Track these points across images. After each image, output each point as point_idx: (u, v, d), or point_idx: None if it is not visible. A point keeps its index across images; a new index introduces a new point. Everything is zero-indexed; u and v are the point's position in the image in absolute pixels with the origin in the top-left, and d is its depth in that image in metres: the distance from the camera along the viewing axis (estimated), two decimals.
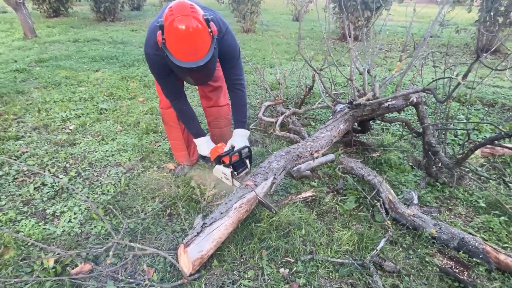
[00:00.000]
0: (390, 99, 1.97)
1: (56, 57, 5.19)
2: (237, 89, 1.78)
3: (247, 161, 1.85)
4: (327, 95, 2.66)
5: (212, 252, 1.50)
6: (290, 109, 2.83)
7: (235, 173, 1.78)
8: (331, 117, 2.27)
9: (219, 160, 1.80)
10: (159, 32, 1.34)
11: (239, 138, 1.81)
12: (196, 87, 2.13)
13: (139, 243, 1.65)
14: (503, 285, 1.46)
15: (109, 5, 8.87)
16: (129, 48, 6.08)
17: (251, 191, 1.63)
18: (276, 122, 2.58)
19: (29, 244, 1.65)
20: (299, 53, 2.17)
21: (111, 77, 4.37)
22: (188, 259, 1.39)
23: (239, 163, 1.81)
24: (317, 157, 1.92)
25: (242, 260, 1.58)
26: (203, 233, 1.46)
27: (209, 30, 1.35)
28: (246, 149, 1.80)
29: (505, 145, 2.13)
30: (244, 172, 1.84)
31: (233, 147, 1.79)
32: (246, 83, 1.80)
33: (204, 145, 1.89)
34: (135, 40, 6.77)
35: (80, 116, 3.17)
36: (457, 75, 1.79)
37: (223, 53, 1.63)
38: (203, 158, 1.92)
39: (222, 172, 1.80)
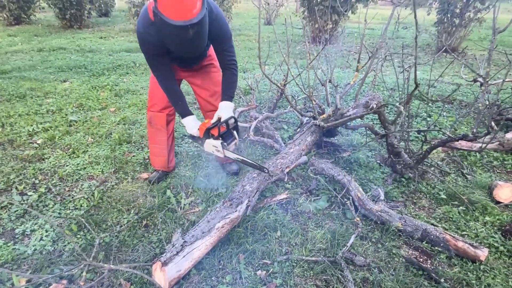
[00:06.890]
0: (351, 110, 2.08)
1: (20, 68, 4.97)
2: (231, 68, 1.87)
3: (235, 132, 1.90)
4: (298, 102, 2.76)
5: (190, 269, 1.51)
6: (263, 113, 2.90)
7: (225, 143, 1.82)
8: (299, 129, 2.34)
9: (208, 133, 1.83)
10: (151, 1, 1.40)
11: (225, 110, 1.86)
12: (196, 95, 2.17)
13: (115, 257, 1.64)
14: (461, 270, 1.59)
15: (75, 11, 8.57)
16: (98, 56, 5.92)
17: (235, 211, 1.67)
18: (250, 127, 2.64)
19: None
20: (261, 70, 2.25)
21: (80, 87, 4.25)
22: (164, 278, 1.37)
23: (228, 134, 1.86)
24: (287, 172, 2.00)
25: (220, 266, 1.61)
26: (183, 252, 1.45)
27: None
28: (233, 120, 1.85)
29: (456, 145, 2.30)
30: (233, 142, 1.88)
31: (219, 119, 1.83)
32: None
33: (192, 123, 1.93)
34: (104, 48, 6.59)
35: (48, 129, 3.06)
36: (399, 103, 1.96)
37: (215, 34, 1.69)
38: (193, 137, 1.95)
39: (212, 145, 1.83)
